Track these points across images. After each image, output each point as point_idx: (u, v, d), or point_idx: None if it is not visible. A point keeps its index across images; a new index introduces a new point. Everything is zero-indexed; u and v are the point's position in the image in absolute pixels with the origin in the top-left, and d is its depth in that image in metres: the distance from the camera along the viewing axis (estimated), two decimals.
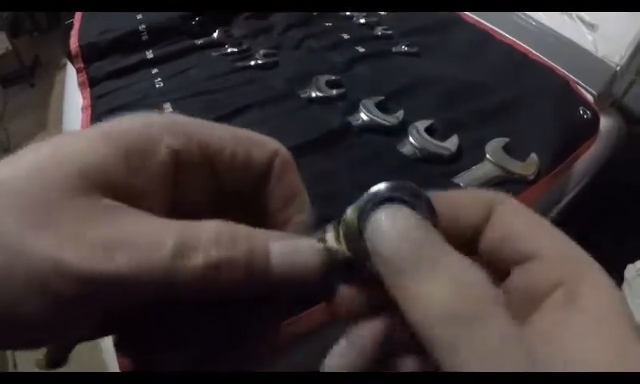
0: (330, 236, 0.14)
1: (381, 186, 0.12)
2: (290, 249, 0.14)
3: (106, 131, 0.13)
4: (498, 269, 0.14)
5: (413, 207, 0.12)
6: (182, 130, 0.15)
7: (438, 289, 0.11)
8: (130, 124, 0.14)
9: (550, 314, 0.12)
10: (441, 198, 0.13)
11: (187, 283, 0.12)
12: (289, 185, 0.17)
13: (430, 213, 0.13)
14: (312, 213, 0.17)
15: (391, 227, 0.12)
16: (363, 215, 0.12)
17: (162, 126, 0.14)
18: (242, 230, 0.14)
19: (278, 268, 0.14)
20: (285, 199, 0.17)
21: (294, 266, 0.14)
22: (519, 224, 0.14)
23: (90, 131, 0.13)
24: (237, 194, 0.17)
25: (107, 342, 0.27)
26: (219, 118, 0.41)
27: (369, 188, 0.12)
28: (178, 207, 0.15)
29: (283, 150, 0.17)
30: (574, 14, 0.55)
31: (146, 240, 0.12)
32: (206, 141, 0.15)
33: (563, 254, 0.13)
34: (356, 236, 0.13)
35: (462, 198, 0.14)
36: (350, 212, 0.13)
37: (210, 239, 0.13)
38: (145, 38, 0.52)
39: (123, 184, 0.13)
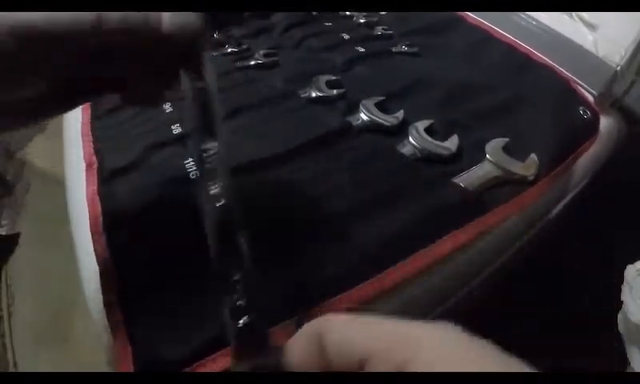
0: None
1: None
2: (180, 17, 0.23)
3: None
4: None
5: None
6: None
7: None
8: None
9: None
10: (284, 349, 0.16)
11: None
12: None
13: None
14: None
15: None
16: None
17: None
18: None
19: (167, 24, 0.22)
20: None
21: (181, 25, 0.23)
22: (346, 334, 0.15)
23: None
24: None
25: (107, 341, 0.27)
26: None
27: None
28: None
29: None
30: (574, 13, 0.55)
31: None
32: None
33: (396, 341, 0.14)
34: None
35: (295, 342, 0.16)
36: None
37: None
38: None
39: None
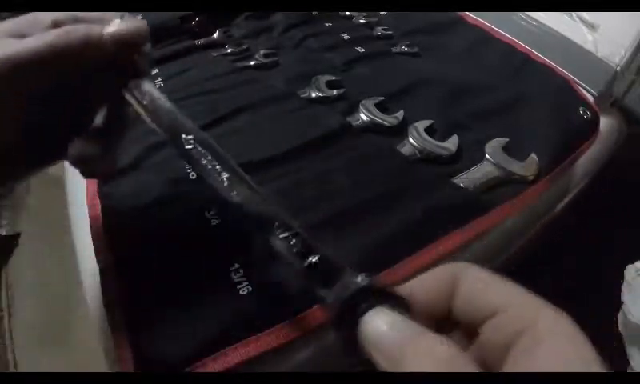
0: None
1: (362, 283, 0.16)
2: (122, 25, 0.23)
3: None
4: (470, 328, 0.16)
5: (389, 302, 0.15)
6: None
7: (420, 362, 0.13)
8: None
9: (519, 360, 0.14)
10: (409, 287, 0.16)
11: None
12: None
13: (402, 304, 0.15)
14: None
15: (380, 327, 0.14)
16: (353, 309, 0.15)
17: None
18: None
19: (110, 35, 0.22)
20: None
21: (124, 30, 0.23)
22: (481, 286, 0.16)
23: None
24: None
25: (107, 341, 0.27)
26: (219, 118, 0.41)
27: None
28: None
29: None
30: (574, 13, 0.55)
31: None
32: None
33: (521, 305, 0.15)
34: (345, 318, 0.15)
35: (427, 280, 0.16)
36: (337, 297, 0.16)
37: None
38: None
39: None
